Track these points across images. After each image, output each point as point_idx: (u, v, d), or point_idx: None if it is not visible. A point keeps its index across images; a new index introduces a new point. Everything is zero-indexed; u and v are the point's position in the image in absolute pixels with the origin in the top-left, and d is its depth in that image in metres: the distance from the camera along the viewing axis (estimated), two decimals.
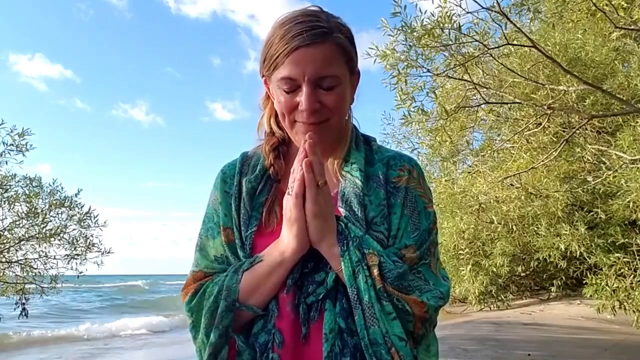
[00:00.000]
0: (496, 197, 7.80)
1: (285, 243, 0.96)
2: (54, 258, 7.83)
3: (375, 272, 0.92)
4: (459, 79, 5.88)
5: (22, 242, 7.65)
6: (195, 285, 1.03)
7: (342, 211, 1.00)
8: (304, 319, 0.94)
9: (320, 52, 0.96)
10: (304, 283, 0.96)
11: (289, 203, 0.95)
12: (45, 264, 7.83)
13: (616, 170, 5.84)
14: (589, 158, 6.69)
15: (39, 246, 7.77)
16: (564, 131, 6.53)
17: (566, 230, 7.21)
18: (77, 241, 7.83)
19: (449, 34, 4.84)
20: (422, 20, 4.80)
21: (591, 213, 7.33)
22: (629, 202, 5.84)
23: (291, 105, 0.99)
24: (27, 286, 7.84)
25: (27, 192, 7.49)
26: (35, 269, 7.83)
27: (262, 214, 1.04)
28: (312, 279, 0.96)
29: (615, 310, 7.21)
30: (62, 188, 7.77)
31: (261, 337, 0.95)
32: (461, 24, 4.79)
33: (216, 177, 1.12)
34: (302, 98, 0.97)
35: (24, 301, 7.84)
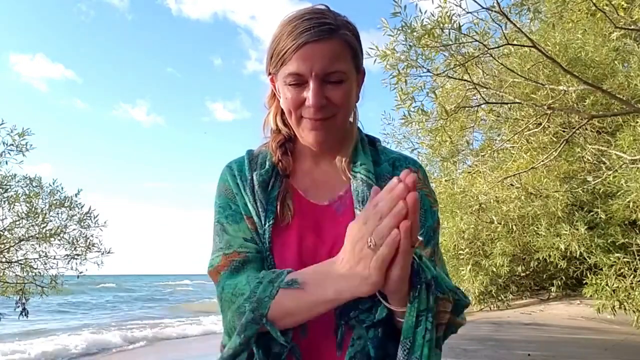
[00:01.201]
0: (496, 197, 7.81)
1: (345, 286, 0.82)
2: (54, 258, 7.83)
3: (446, 318, 0.89)
4: (459, 79, 5.88)
5: (22, 242, 7.65)
6: (233, 264, 0.98)
7: (359, 213, 0.99)
8: (339, 341, 0.93)
9: (328, 48, 0.97)
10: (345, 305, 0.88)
11: (366, 256, 0.78)
12: (45, 264, 7.83)
13: (616, 170, 5.84)
14: (589, 158, 6.69)
15: (39, 246, 7.77)
16: (564, 131, 6.54)
17: (566, 230, 7.21)
18: (77, 241, 7.83)
19: (449, 34, 4.84)
20: (422, 20, 4.80)
21: (591, 213, 7.33)
22: (629, 202, 5.84)
23: (298, 102, 0.99)
24: (26, 286, 7.84)
25: (27, 192, 7.49)
26: (35, 269, 7.83)
27: (277, 207, 1.03)
28: (355, 304, 0.89)
29: (615, 310, 7.20)
30: (62, 188, 7.77)
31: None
32: (461, 24, 4.80)
33: (223, 173, 1.10)
34: (309, 94, 0.97)
35: (24, 301, 7.85)
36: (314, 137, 1.02)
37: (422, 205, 1.02)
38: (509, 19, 4.92)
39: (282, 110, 1.08)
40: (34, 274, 7.85)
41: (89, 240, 7.86)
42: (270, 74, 1.07)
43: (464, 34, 4.89)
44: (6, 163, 6.90)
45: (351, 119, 1.10)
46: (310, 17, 0.98)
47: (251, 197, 1.04)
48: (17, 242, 7.59)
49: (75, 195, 7.83)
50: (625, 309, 7.11)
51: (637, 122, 5.74)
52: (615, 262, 7.16)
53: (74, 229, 7.86)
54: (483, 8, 4.77)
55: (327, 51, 0.96)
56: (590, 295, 7.54)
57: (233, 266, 0.97)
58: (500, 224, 8.51)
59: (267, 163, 1.08)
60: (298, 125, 1.03)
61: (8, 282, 7.79)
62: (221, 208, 1.06)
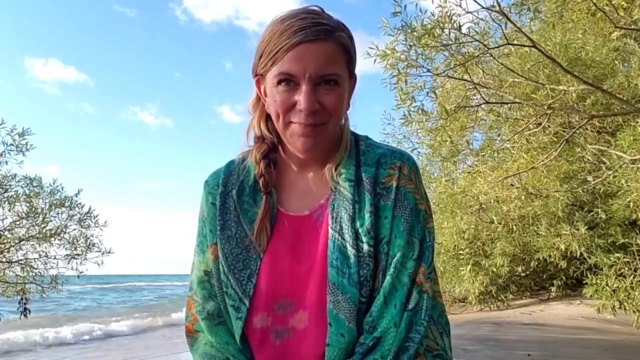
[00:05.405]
0: (496, 197, 7.80)
1: None
2: (54, 258, 7.83)
3: None
4: (459, 79, 5.88)
5: (22, 242, 7.65)
6: (191, 332, 1.04)
7: (331, 232, 0.96)
8: None
9: (324, 49, 0.93)
10: None
11: None
12: (46, 264, 7.83)
13: (616, 170, 5.83)
14: (589, 158, 6.69)
15: (39, 246, 7.77)
16: (564, 131, 6.53)
17: (566, 230, 7.20)
18: (78, 241, 7.83)
19: (449, 33, 4.84)
20: (422, 20, 4.80)
21: (591, 213, 7.32)
22: (629, 202, 5.83)
23: (288, 104, 0.94)
24: (27, 286, 7.84)
25: (27, 192, 7.49)
26: (36, 269, 7.83)
27: (254, 233, 0.98)
28: None
29: (615, 310, 7.19)
30: (62, 188, 7.77)
31: None
32: (461, 24, 4.80)
33: (202, 189, 1.07)
34: (300, 97, 0.92)
35: (24, 301, 7.85)
36: (303, 144, 0.96)
37: (407, 204, 0.97)
38: (509, 19, 4.92)
39: (266, 116, 1.04)
40: (34, 274, 7.85)
41: (89, 240, 7.87)
42: (257, 75, 1.02)
43: (464, 34, 4.89)
44: (6, 163, 6.91)
45: (342, 123, 1.04)
46: (305, 17, 0.94)
47: (220, 220, 1.00)
48: (17, 242, 7.59)
49: (76, 195, 7.84)
50: (625, 309, 7.10)
51: (637, 122, 5.73)
52: (615, 262, 7.14)
53: (74, 229, 7.87)
54: (483, 8, 4.76)
55: (323, 52, 0.92)
56: (590, 295, 7.53)
57: (193, 339, 1.03)
58: (501, 224, 8.50)
59: (248, 176, 1.03)
60: (285, 130, 0.97)
61: (8, 282, 7.78)
62: (197, 232, 1.06)
